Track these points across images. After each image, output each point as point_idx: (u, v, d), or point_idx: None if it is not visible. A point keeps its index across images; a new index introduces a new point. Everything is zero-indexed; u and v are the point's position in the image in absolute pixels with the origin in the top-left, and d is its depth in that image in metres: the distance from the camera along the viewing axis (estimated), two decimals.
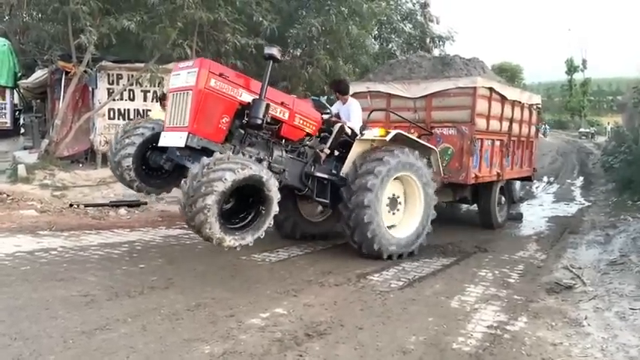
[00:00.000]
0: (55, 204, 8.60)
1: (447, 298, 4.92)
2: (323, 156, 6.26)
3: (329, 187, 6.31)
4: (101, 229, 7.55)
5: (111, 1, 10.03)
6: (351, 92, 8.68)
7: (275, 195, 4.85)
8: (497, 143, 8.45)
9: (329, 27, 12.63)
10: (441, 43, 17.89)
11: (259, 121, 5.28)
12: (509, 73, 40.95)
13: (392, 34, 18.15)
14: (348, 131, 6.54)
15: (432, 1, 17.56)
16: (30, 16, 13.64)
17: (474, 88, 7.55)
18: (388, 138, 6.34)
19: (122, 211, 8.75)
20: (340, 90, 7.14)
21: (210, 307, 4.39)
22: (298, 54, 15.31)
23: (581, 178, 19.40)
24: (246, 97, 5.38)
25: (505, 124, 8.58)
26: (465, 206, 10.69)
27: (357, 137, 6.43)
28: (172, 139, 5.31)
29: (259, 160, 5.47)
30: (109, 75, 11.45)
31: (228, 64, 11.51)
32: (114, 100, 11.27)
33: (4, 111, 16.01)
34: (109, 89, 11.46)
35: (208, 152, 5.00)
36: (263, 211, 4.84)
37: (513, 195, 11.44)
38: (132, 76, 11.30)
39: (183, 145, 5.14)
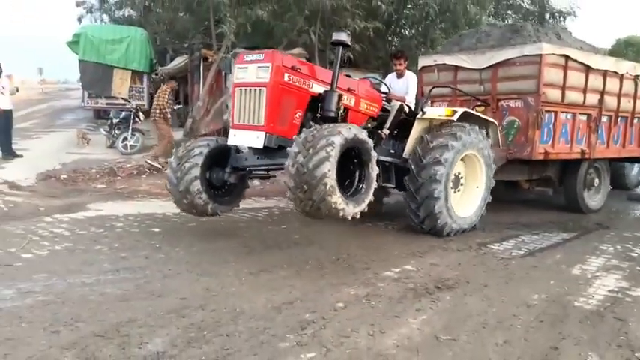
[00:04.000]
0: None
1: (568, 267, 5.19)
2: (384, 138, 6.00)
3: (393, 171, 6.06)
4: None
5: None
6: (419, 66, 8.46)
7: (375, 155, 4.79)
8: (583, 117, 7.77)
9: (446, 6, 12.77)
10: (561, 18, 17.14)
11: (333, 114, 5.09)
12: (637, 47, 37.40)
13: (509, 10, 17.74)
14: (406, 109, 6.30)
15: None
16: (164, 8, 15.14)
17: (540, 55, 6.97)
18: (455, 117, 6.14)
19: (255, 182, 9.78)
20: (406, 57, 6.77)
21: (348, 261, 5.08)
22: (412, 34, 15.59)
23: None
24: (317, 89, 5.19)
25: (593, 97, 7.79)
26: None
27: (418, 116, 6.17)
28: (246, 139, 5.06)
29: None
30: None
31: None
32: None
33: (142, 94, 18.02)
34: None
35: (281, 150, 4.87)
36: (367, 174, 4.78)
37: (624, 179, 10.63)
38: None
39: (261, 147, 4.92)
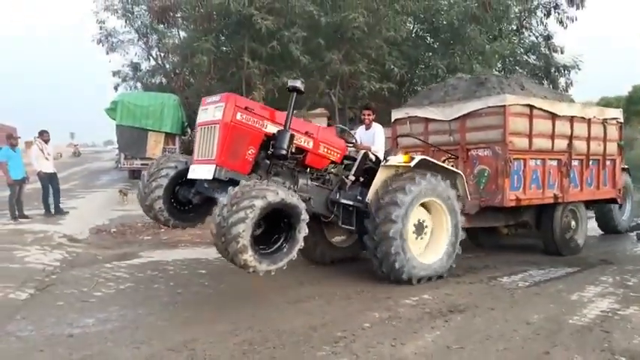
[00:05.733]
0: None
1: (568, 294, 5.83)
2: (348, 183, 6.25)
3: (354, 214, 6.31)
4: None
5: (273, 64, 12.37)
6: (392, 119, 8.64)
7: (305, 218, 4.95)
8: (553, 162, 7.89)
9: (453, 67, 13.89)
10: (566, 72, 18.17)
11: (284, 152, 5.40)
12: None
13: (515, 66, 18.87)
14: (372, 158, 6.55)
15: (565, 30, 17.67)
16: (199, 78, 16.59)
17: (504, 106, 7.18)
18: (412, 164, 6.29)
19: None
20: (373, 110, 7.05)
21: (371, 292, 5.82)
22: None
23: None
24: (271, 129, 5.50)
25: (562, 142, 7.95)
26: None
27: (382, 163, 6.40)
28: (201, 172, 5.44)
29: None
30: None
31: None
32: None
33: (173, 155, 19.35)
34: None
35: (235, 183, 5.00)
36: (292, 235, 4.96)
37: (613, 222, 10.60)
38: None
39: (211, 178, 5.26)
